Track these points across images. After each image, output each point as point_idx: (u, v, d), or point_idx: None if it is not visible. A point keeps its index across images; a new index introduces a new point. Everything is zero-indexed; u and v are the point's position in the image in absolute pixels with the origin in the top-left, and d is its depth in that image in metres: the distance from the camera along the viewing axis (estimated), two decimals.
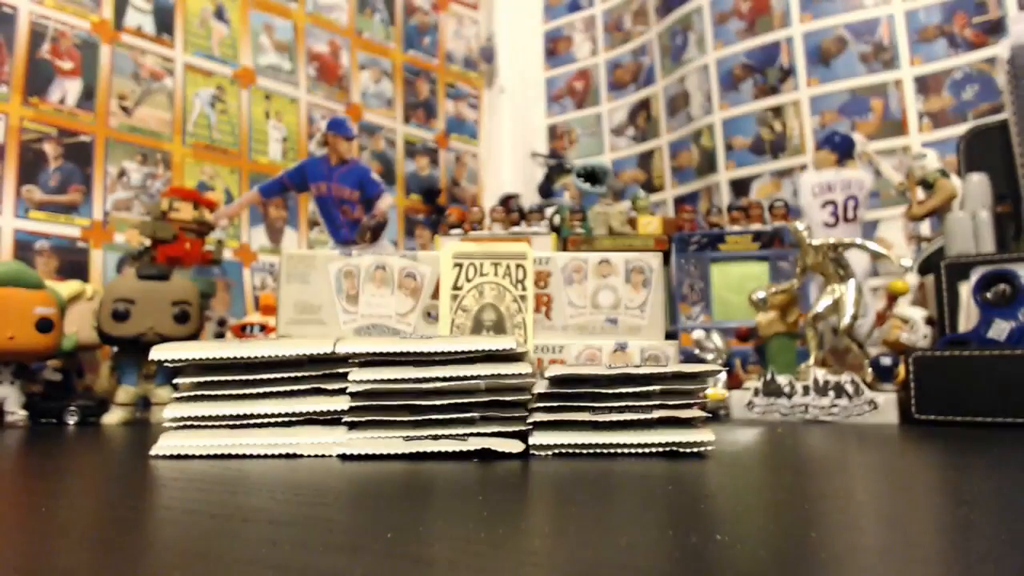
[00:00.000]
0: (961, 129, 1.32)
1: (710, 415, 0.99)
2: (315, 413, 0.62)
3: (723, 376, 1.16)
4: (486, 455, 0.56)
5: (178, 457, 0.58)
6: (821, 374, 1.02)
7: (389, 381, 0.61)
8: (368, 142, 2.12)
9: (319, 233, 1.89)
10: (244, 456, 0.58)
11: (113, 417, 0.99)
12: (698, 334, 1.23)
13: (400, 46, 2.26)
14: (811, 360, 1.11)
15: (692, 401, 0.61)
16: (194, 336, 1.05)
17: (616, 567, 0.23)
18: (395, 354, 0.62)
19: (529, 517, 0.35)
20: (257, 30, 1.89)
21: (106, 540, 0.29)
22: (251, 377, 0.63)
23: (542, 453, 0.58)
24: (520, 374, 0.59)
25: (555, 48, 2.49)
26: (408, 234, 2.18)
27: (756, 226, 1.49)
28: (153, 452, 0.59)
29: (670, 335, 1.24)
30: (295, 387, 0.63)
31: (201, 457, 0.58)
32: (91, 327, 1.06)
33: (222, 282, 1.66)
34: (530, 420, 0.61)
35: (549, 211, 1.80)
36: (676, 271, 1.47)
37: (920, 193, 1.28)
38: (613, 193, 2.14)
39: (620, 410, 0.60)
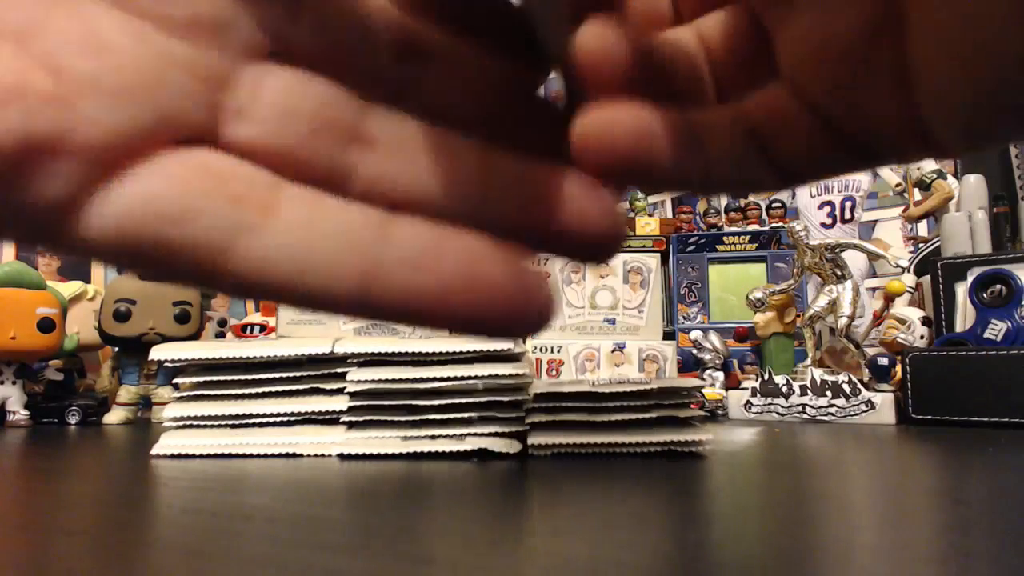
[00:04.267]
0: None
1: (708, 415, 1.00)
2: (314, 413, 0.62)
3: (721, 376, 1.17)
4: (484, 455, 0.57)
5: (179, 456, 0.58)
6: (818, 374, 1.02)
7: (387, 381, 0.61)
8: None
9: None
10: (244, 456, 0.59)
11: (114, 417, 0.99)
12: (696, 334, 1.24)
13: None
14: (808, 360, 1.11)
15: (689, 400, 0.61)
16: (195, 336, 1.06)
17: (615, 565, 0.24)
18: (393, 354, 0.63)
19: (528, 516, 0.36)
20: None
21: (107, 539, 0.29)
22: (251, 377, 0.63)
23: (540, 453, 0.59)
24: (518, 374, 0.59)
25: None
26: None
27: (754, 227, 1.49)
28: (154, 451, 0.59)
29: (668, 335, 1.24)
30: (294, 387, 0.63)
31: (202, 456, 0.59)
32: (92, 327, 1.06)
33: None
34: (528, 420, 0.61)
35: None
36: (674, 271, 1.47)
37: (917, 194, 1.29)
38: None
39: (617, 410, 0.60)
